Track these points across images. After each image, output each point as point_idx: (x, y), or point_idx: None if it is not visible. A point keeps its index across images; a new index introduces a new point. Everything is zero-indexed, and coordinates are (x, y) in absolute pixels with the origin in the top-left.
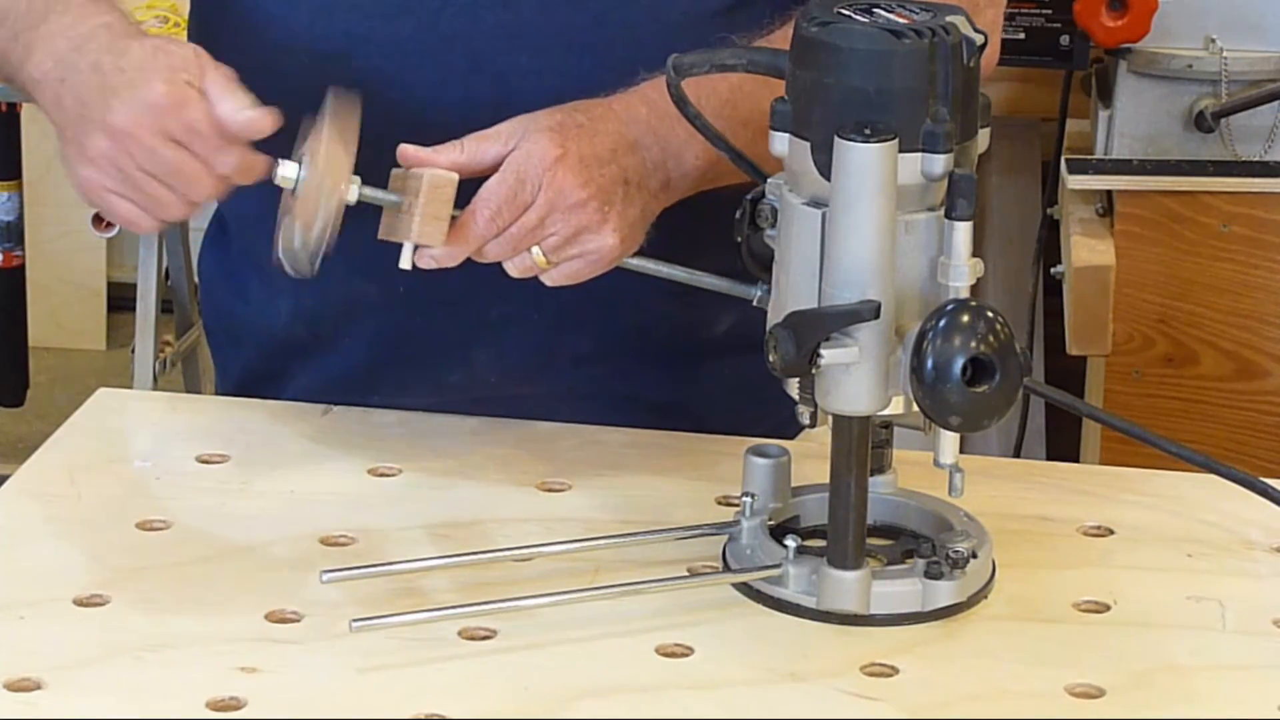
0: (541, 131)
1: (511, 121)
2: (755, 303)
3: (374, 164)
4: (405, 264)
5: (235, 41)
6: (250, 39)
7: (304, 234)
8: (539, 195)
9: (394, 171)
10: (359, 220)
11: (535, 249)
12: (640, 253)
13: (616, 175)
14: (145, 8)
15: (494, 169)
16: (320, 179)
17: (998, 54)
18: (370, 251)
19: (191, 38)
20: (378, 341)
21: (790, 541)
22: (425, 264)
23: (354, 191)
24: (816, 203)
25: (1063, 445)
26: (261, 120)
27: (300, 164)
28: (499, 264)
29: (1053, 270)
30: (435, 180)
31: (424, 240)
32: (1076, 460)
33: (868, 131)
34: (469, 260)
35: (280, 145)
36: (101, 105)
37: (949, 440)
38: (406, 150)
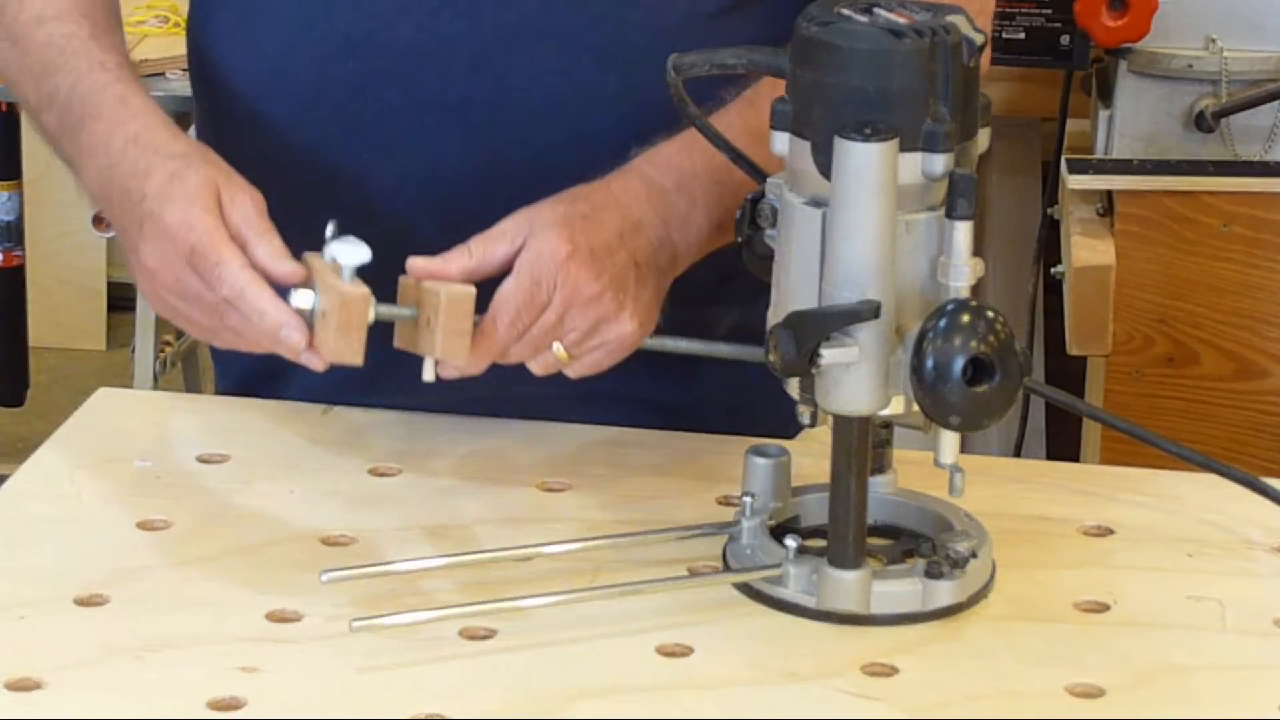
0: (548, 229)
1: (514, 219)
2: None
3: (372, 167)
4: (429, 377)
5: (233, 44)
6: (249, 41)
7: (332, 357)
8: (555, 294)
9: (402, 279)
10: (355, 223)
11: (556, 345)
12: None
13: (626, 261)
14: (145, 8)
15: (503, 269)
16: (337, 314)
17: (988, 58)
18: (376, 251)
19: (190, 40)
20: (377, 341)
21: (790, 541)
22: (449, 375)
23: (370, 312)
24: (816, 203)
25: (1063, 445)
26: (294, 275)
27: (315, 291)
28: None
29: (1053, 270)
30: (454, 297)
31: (448, 356)
32: (1076, 460)
33: (868, 131)
34: None
35: (281, 170)
36: (133, 239)
37: (949, 440)
38: (416, 264)
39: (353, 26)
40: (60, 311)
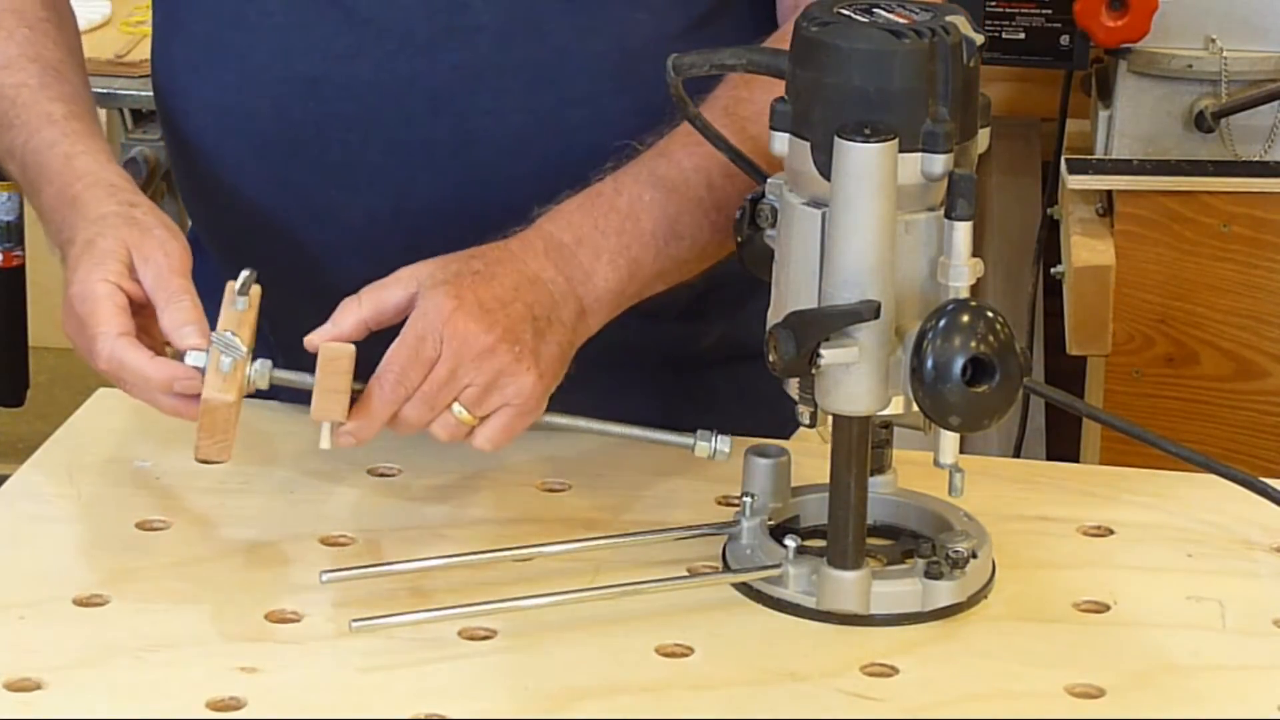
0: (436, 287)
1: (409, 268)
2: (695, 452)
3: (340, 206)
4: (325, 444)
5: (195, 77)
6: (210, 76)
7: (197, 454)
8: (443, 348)
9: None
10: (332, 259)
11: (456, 406)
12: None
13: (522, 313)
14: (146, 7)
15: (399, 316)
16: (202, 415)
17: None
18: (344, 289)
19: (153, 67)
20: (362, 377)
21: (790, 541)
22: (345, 442)
23: (265, 378)
24: (816, 203)
25: (1063, 445)
26: (197, 347)
27: (208, 354)
28: None
29: (1053, 270)
30: (328, 353)
31: (324, 414)
32: (1076, 460)
33: (868, 131)
34: None
35: (245, 204)
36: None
37: (949, 440)
38: (311, 338)
39: (310, 66)
40: (60, 312)
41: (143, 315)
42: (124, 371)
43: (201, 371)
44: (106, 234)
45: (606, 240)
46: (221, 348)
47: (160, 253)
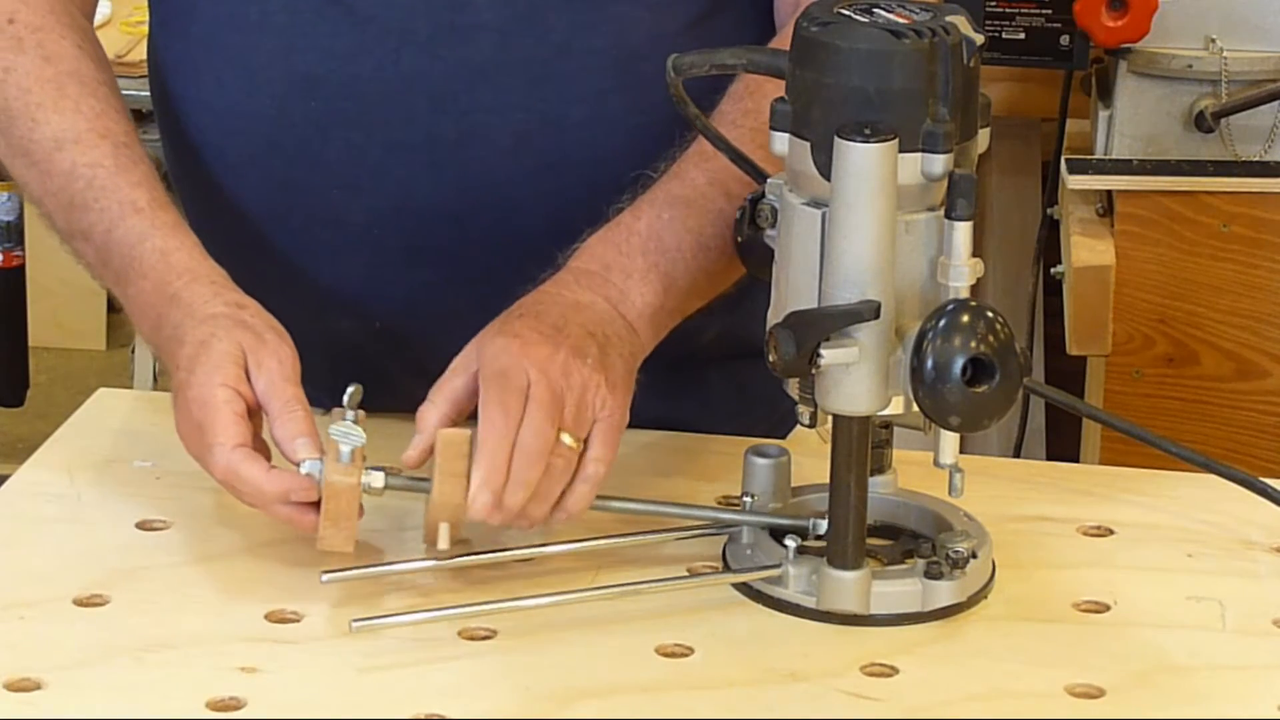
0: (493, 340)
1: (459, 355)
2: (811, 530)
3: (341, 205)
4: (443, 544)
5: (195, 77)
6: (210, 76)
7: (320, 544)
8: (530, 373)
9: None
10: (334, 259)
11: (565, 436)
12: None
13: (581, 332)
14: (146, 7)
15: (473, 397)
16: (327, 502)
17: None
18: (346, 289)
19: (150, 68)
20: (358, 378)
21: (790, 541)
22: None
23: (380, 485)
24: (816, 203)
25: (1063, 445)
26: (309, 457)
27: (322, 461)
28: (477, 300)
29: (1053, 270)
30: (446, 438)
31: (446, 499)
32: (1076, 460)
33: (868, 131)
34: (447, 293)
35: (246, 206)
36: (174, 401)
37: (949, 440)
38: (410, 458)
39: (312, 65)
40: (60, 311)
41: (253, 420)
42: (239, 483)
43: (316, 481)
44: (220, 335)
45: (633, 262)
46: (339, 437)
47: (274, 360)
